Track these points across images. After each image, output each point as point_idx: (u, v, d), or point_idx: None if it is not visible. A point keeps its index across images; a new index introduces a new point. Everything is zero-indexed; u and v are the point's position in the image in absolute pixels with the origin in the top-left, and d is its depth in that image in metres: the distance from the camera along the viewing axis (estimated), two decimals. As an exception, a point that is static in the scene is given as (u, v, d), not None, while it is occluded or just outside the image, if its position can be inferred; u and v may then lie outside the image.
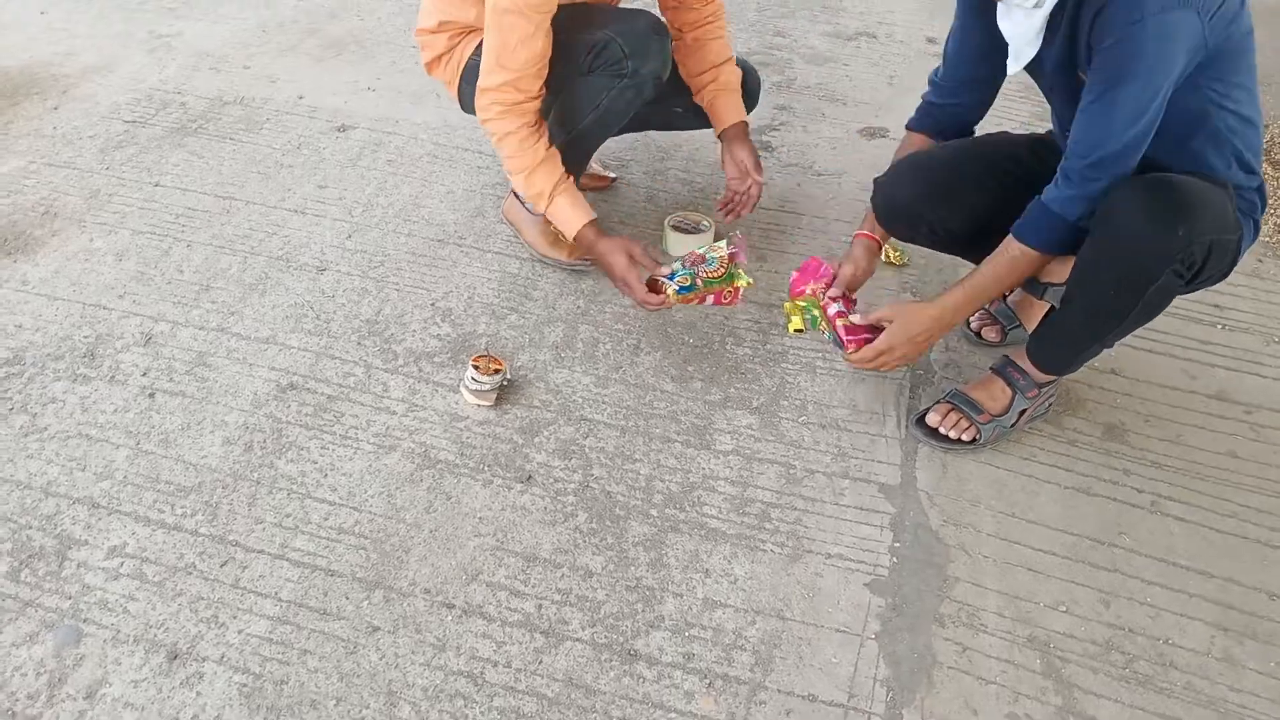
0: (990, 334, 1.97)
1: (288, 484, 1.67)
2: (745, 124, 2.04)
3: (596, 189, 2.42)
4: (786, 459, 1.73)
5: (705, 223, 2.21)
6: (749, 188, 2.07)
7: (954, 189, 1.67)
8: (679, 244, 2.17)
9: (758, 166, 2.07)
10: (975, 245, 1.71)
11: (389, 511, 1.62)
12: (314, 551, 1.58)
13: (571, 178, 1.91)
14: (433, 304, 2.07)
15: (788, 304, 1.77)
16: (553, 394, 1.85)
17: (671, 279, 1.80)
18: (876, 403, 1.84)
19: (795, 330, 1.78)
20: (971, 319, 1.95)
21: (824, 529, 1.62)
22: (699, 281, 1.79)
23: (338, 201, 2.38)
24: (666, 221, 2.15)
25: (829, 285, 1.72)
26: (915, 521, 1.65)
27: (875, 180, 1.77)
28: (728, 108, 2.05)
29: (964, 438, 1.72)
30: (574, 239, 1.87)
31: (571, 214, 1.90)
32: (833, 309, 1.68)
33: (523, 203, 2.19)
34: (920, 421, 1.73)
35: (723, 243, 1.81)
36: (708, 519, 1.64)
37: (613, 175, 2.44)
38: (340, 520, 1.61)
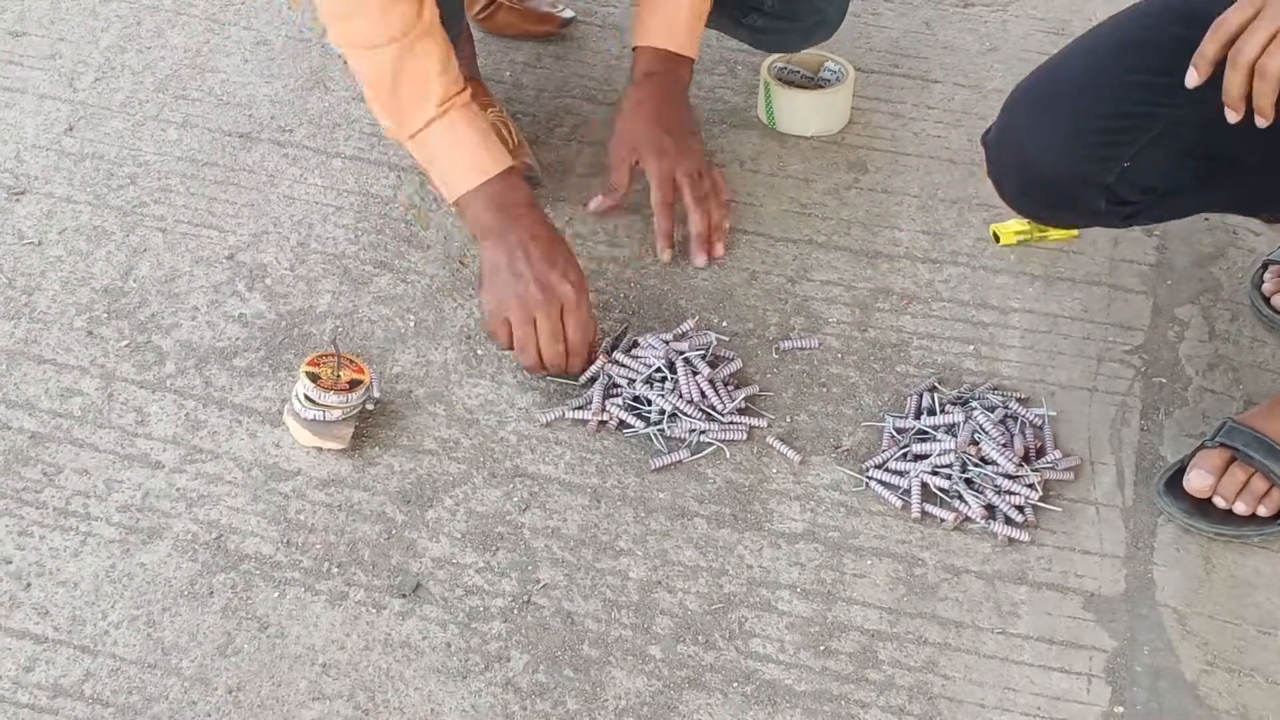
0: None
1: (-47, 605, 1.63)
2: (672, 58, 2.02)
3: (536, 35, 2.46)
4: (907, 549, 1.71)
5: (834, 65, 2.31)
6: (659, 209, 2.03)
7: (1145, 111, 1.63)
8: (792, 107, 2.26)
9: (685, 175, 2.01)
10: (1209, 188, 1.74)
11: (149, 655, 1.59)
12: (3, 737, 1.52)
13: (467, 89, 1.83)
14: (230, 255, 2.05)
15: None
16: (461, 427, 1.82)
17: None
18: (1079, 437, 1.83)
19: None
20: (1266, 279, 1.99)
21: (978, 680, 1.60)
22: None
23: (47, 61, 2.38)
24: (765, 68, 2.29)
25: None
26: (1153, 665, 1.61)
27: (992, 133, 1.74)
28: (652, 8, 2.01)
29: (1260, 512, 1.70)
30: (456, 204, 1.85)
31: (464, 152, 1.81)
32: None
33: None
34: (1173, 486, 1.74)
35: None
36: (760, 664, 1.60)
37: (567, 13, 2.49)
38: (54, 673, 1.57)
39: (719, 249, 2.03)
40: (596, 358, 1.84)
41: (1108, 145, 1.63)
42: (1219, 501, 1.70)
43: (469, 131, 1.80)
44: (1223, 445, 1.71)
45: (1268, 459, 1.69)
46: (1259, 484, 1.69)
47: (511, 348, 1.82)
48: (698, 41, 2.03)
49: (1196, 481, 1.70)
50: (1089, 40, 1.71)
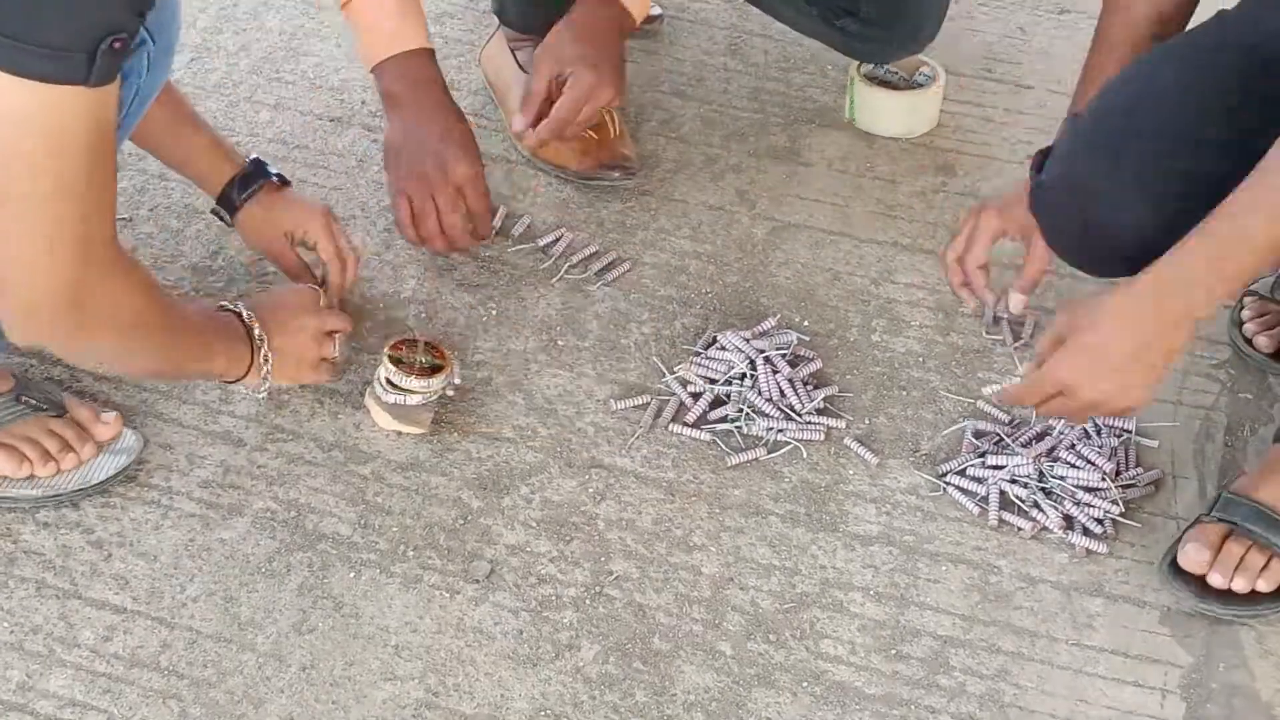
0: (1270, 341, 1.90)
1: (36, 571, 1.65)
2: (615, 4, 1.99)
3: None
4: (983, 556, 1.70)
5: (929, 70, 2.30)
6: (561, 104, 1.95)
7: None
8: (874, 106, 2.26)
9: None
10: None
11: (226, 629, 1.60)
12: (80, 703, 1.53)
13: None
14: (318, 239, 2.02)
15: None
16: (540, 416, 1.82)
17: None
18: (1162, 450, 1.82)
19: None
20: (1244, 311, 1.93)
21: (1051, 691, 1.58)
22: None
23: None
24: (855, 65, 2.28)
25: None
26: (1229, 683, 1.59)
27: (1051, 172, 1.64)
28: None
29: (1260, 587, 1.61)
30: (372, 70, 1.93)
31: (385, 21, 1.89)
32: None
33: (515, 53, 2.21)
34: (1178, 566, 1.63)
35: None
36: (830, 664, 1.60)
37: (654, 10, 2.48)
38: (131, 643, 1.59)
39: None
40: (490, 237, 1.99)
41: (1180, 211, 1.51)
42: (1215, 580, 1.60)
43: (392, 4, 1.88)
44: (1218, 519, 1.63)
45: (1268, 531, 1.60)
46: (1256, 558, 1.60)
47: (411, 224, 1.91)
48: (645, 6, 2.01)
49: (1193, 555, 1.61)
50: (1156, 78, 1.59)
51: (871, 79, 2.27)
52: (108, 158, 1.37)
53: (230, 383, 1.69)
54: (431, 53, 1.93)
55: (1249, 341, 1.89)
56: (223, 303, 1.70)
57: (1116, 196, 1.57)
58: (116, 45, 1.26)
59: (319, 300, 1.78)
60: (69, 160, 1.31)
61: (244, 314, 1.68)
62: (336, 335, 1.78)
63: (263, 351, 1.68)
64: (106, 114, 1.32)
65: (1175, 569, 1.62)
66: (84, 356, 1.55)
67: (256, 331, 1.67)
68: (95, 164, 1.34)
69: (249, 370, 1.68)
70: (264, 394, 1.73)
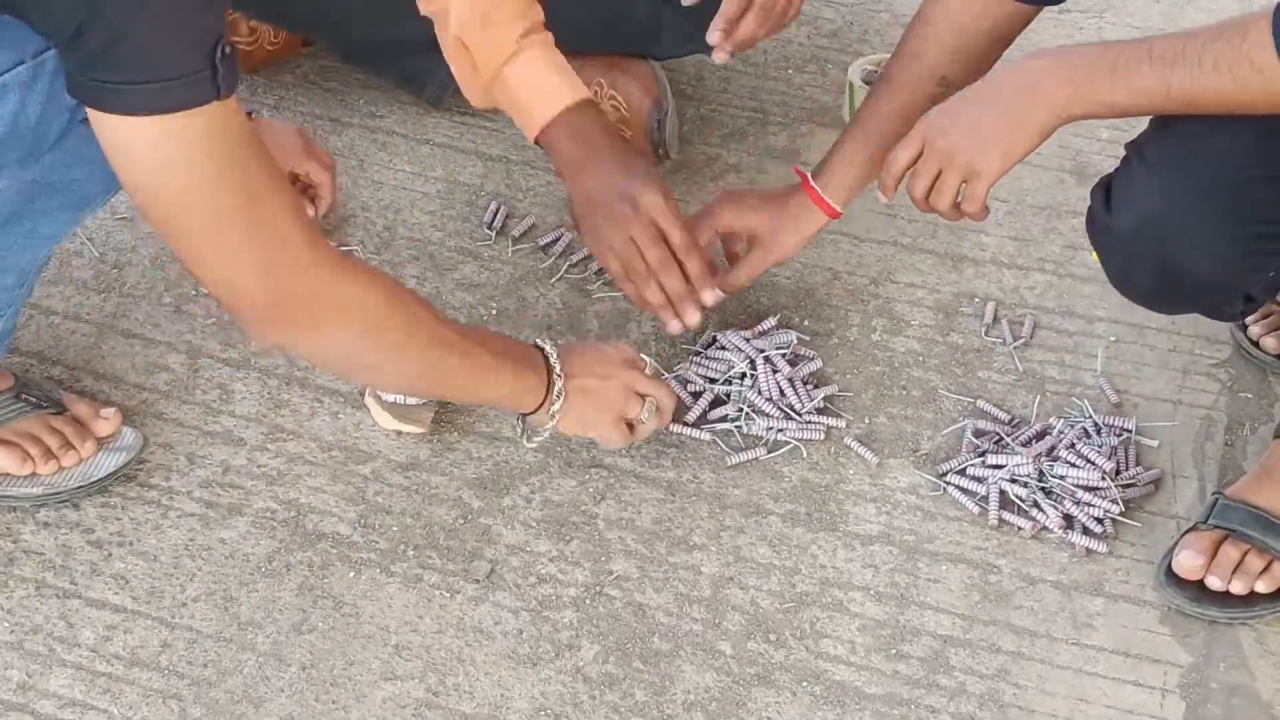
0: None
1: (36, 570, 1.65)
2: None
3: None
4: (983, 555, 1.70)
5: None
6: None
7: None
8: None
9: None
10: None
11: (226, 629, 1.60)
12: (81, 702, 1.53)
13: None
14: (318, 239, 2.03)
15: None
16: (539, 415, 1.77)
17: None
18: (1162, 450, 1.82)
19: None
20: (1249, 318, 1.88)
21: (1051, 691, 1.58)
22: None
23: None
24: (852, 73, 2.24)
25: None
26: (1228, 682, 1.59)
27: (1125, 217, 1.55)
28: None
29: (1259, 588, 1.61)
30: (537, 139, 1.81)
31: (547, 83, 1.79)
32: None
33: None
34: (1174, 574, 1.63)
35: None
36: (830, 664, 1.60)
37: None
38: (131, 643, 1.59)
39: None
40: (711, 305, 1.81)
41: (1267, 253, 1.50)
42: (1213, 583, 1.60)
43: (544, 64, 1.78)
44: (1215, 525, 1.62)
45: (1266, 535, 1.60)
46: (1255, 562, 1.60)
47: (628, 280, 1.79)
48: None
49: (1186, 562, 1.61)
50: (1240, 122, 1.45)
51: (869, 81, 2.26)
52: (268, 158, 1.37)
53: (528, 415, 1.64)
54: (593, 102, 1.83)
55: (1256, 344, 1.88)
56: (536, 340, 1.65)
57: (1201, 242, 1.50)
58: (228, 50, 1.27)
59: (643, 364, 1.72)
60: (240, 171, 1.32)
61: (547, 349, 1.63)
62: (648, 400, 1.69)
63: (557, 387, 1.62)
64: (242, 118, 1.33)
65: (1171, 575, 1.63)
66: (332, 359, 1.53)
67: (554, 362, 1.62)
68: (262, 165, 1.35)
69: (542, 404, 1.63)
70: (544, 437, 1.66)
